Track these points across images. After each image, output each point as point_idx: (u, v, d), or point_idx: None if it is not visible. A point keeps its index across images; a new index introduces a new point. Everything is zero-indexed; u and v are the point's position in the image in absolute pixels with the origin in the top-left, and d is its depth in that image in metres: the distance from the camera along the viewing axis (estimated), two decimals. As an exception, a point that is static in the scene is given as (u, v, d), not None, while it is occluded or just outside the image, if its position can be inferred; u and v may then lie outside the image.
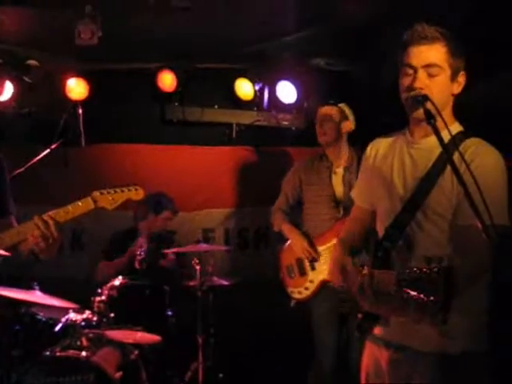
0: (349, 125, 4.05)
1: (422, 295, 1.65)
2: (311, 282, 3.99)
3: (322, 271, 3.93)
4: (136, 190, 2.68)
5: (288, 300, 4.10)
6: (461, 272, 1.89)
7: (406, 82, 2.08)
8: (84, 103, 4.93)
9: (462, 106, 2.18)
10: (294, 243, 4.10)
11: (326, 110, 4.05)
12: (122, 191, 2.65)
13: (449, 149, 1.91)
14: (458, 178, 1.78)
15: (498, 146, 2.07)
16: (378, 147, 2.34)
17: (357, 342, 3.78)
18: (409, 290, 1.69)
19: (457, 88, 2.12)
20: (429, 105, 1.95)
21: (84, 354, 3.49)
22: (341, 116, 4.03)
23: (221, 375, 4.50)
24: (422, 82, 2.03)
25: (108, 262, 4.54)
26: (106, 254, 4.69)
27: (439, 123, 1.93)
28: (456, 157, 1.91)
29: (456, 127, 2.14)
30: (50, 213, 2.53)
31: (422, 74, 2.04)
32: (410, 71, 2.06)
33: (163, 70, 5.17)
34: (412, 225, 2.09)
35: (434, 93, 2.01)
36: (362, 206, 2.44)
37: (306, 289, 4.01)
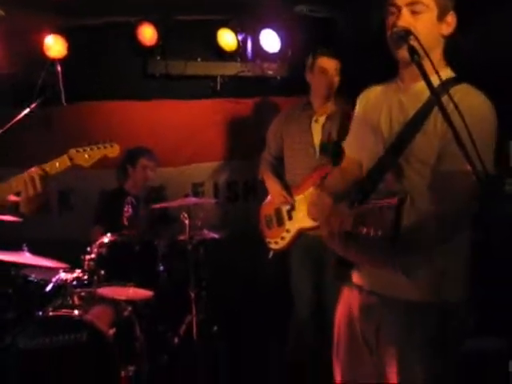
0: (339, 78, 3.95)
1: (371, 230, 1.65)
2: (287, 231, 3.98)
3: (298, 220, 3.91)
4: (112, 146, 2.70)
5: (267, 251, 4.10)
6: (444, 220, 1.89)
7: (390, 21, 2.01)
8: (63, 60, 4.83)
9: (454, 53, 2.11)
10: (271, 189, 4.10)
11: (335, 63, 3.90)
12: (98, 148, 2.67)
13: (437, 91, 1.83)
14: (446, 119, 1.70)
15: (491, 95, 1.99)
16: (369, 96, 2.29)
17: (331, 289, 3.80)
18: (362, 226, 1.70)
19: (446, 29, 2.03)
20: (413, 41, 1.87)
21: (76, 312, 3.51)
22: (339, 69, 3.94)
23: (215, 328, 4.53)
24: (406, 20, 1.96)
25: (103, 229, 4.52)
26: (98, 217, 4.69)
27: (427, 65, 1.83)
28: (445, 99, 1.82)
29: (447, 73, 2.06)
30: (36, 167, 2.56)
31: (405, 11, 1.97)
32: (394, 10, 1.99)
33: (143, 24, 5.05)
34: (393, 170, 2.05)
35: (419, 31, 1.92)
36: (350, 156, 2.41)
37: (283, 238, 4.00)
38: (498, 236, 3.27)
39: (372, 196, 2.05)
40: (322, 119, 3.96)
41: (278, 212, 4.05)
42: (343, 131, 3.88)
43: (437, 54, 2.04)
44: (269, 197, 4.18)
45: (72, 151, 2.62)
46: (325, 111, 3.96)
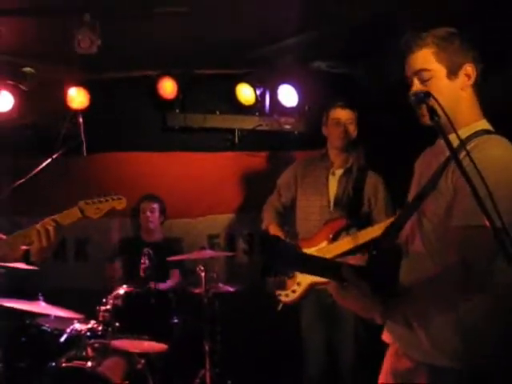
0: (356, 130, 3.99)
1: None
2: (299, 284, 3.87)
3: None
4: (119, 199, 2.74)
5: (276, 304, 3.97)
6: (446, 277, 1.86)
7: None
8: (85, 112, 4.92)
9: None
10: None
11: (348, 113, 3.95)
12: (107, 200, 2.71)
13: (456, 147, 1.80)
14: (461, 172, 1.67)
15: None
16: (419, 161, 2.28)
17: (344, 344, 3.80)
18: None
19: (463, 81, 2.02)
20: (432, 102, 1.89)
21: (90, 364, 3.49)
22: (357, 120, 3.98)
23: (229, 382, 4.46)
24: (417, 88, 2.02)
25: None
26: (118, 257, 4.80)
27: (454, 121, 1.85)
28: (464, 154, 1.80)
29: (480, 125, 2.03)
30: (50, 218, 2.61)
31: (416, 81, 2.03)
32: (409, 81, 2.06)
33: (163, 77, 5.16)
34: (410, 223, 2.06)
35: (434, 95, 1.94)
36: None
37: (294, 291, 3.88)
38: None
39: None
40: (338, 172, 3.97)
41: None
42: (359, 186, 3.89)
43: (463, 108, 2.03)
44: None
45: (81, 203, 2.66)
46: (342, 164, 3.98)
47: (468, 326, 1.90)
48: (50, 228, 2.56)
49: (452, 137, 1.81)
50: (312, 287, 3.83)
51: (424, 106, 1.93)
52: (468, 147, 1.88)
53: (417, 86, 2.02)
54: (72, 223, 2.64)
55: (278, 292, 4.00)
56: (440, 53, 2.01)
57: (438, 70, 2.01)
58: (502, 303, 1.93)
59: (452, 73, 2.02)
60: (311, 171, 4.05)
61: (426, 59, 2.02)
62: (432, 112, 1.87)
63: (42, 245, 2.55)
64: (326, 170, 4.00)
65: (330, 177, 3.98)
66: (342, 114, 3.94)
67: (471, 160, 1.71)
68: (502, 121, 2.08)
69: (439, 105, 1.87)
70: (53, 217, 2.61)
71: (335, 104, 3.99)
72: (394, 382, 2.10)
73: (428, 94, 1.91)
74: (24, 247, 2.66)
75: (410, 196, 2.21)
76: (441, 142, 2.04)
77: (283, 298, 3.95)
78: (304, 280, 3.86)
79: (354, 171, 3.96)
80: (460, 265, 1.83)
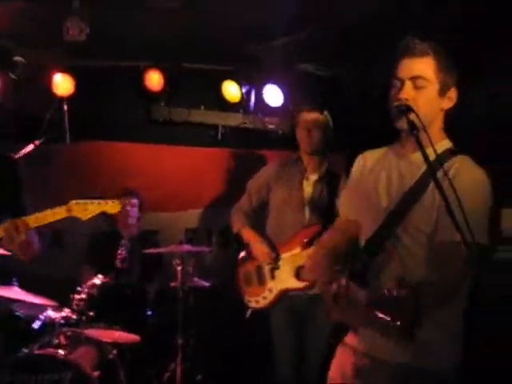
0: (331, 134, 3.89)
1: (389, 318, 1.72)
2: (270, 291, 3.83)
3: (282, 280, 3.79)
4: (113, 202, 2.60)
5: (245, 309, 3.97)
6: (437, 288, 1.90)
7: (392, 92, 2.08)
8: (70, 100, 4.89)
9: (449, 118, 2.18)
10: (254, 248, 3.93)
11: (316, 116, 3.84)
12: (99, 203, 2.58)
13: (433, 164, 1.90)
14: (440, 192, 1.78)
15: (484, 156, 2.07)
16: (366, 160, 2.31)
17: (314, 349, 3.67)
18: (378, 312, 1.75)
19: (447, 103, 2.10)
20: (412, 116, 1.96)
21: (62, 352, 3.48)
22: (327, 124, 3.88)
23: (199, 377, 4.47)
24: (408, 93, 2.03)
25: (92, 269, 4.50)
26: (89, 256, 4.67)
27: (424, 138, 1.93)
28: (440, 173, 1.90)
29: (445, 144, 2.12)
30: (24, 218, 2.54)
31: (408, 85, 2.04)
32: (398, 83, 2.07)
33: (151, 69, 5.15)
34: (392, 239, 2.07)
35: (420, 105, 2.00)
36: (346, 218, 2.38)
37: (264, 298, 3.85)
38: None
39: (372, 266, 2.07)
40: (312, 178, 3.89)
41: (260, 269, 3.92)
42: (334, 192, 3.77)
43: (436, 127, 2.11)
44: (243, 253, 4.09)
45: (72, 203, 2.55)
46: (316, 169, 3.89)
47: (436, 332, 1.99)
48: (20, 225, 2.50)
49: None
50: (284, 294, 3.80)
51: (404, 118, 1.98)
52: (446, 166, 1.98)
53: (408, 90, 2.03)
54: (55, 221, 2.56)
55: (247, 298, 3.97)
56: (439, 68, 2.06)
57: (433, 83, 2.05)
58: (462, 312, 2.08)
59: (442, 91, 2.08)
60: (285, 175, 3.96)
61: (427, 67, 2.05)
62: (412, 125, 1.95)
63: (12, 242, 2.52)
64: (300, 175, 3.91)
65: (304, 182, 3.89)
66: (312, 119, 3.84)
67: (451, 185, 1.81)
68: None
69: (420, 120, 1.95)
70: (34, 215, 2.53)
71: (305, 107, 3.92)
72: (356, 378, 2.14)
73: (410, 108, 1.97)
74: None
75: (364, 198, 2.22)
76: (413, 153, 2.10)
77: (253, 304, 3.93)
78: (275, 286, 3.83)
79: (328, 176, 3.87)
80: (437, 278, 1.91)
